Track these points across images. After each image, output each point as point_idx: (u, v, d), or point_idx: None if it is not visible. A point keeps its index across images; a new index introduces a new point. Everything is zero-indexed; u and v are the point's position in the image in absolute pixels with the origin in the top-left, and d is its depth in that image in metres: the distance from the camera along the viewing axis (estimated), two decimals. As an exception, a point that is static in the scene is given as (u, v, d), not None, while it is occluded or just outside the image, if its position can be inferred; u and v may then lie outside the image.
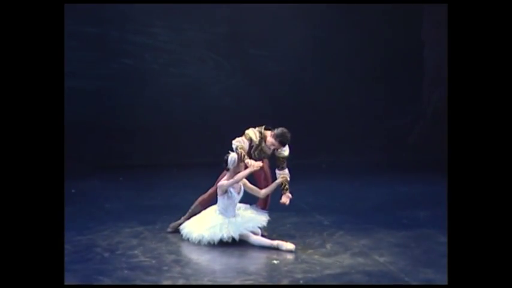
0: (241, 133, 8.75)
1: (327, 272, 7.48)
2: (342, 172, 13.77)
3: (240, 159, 8.56)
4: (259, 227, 8.61)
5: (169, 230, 9.02)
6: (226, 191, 8.54)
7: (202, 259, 8.02)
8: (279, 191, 8.76)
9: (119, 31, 14.24)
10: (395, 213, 10.35)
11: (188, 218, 8.92)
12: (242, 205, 8.75)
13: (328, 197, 11.53)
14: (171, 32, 14.55)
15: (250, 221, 8.59)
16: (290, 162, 8.95)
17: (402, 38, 15.56)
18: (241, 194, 8.66)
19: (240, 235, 8.44)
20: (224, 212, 8.57)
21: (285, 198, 8.73)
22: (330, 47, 15.22)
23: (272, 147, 8.83)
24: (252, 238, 8.45)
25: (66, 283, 6.38)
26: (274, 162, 8.87)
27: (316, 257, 8.06)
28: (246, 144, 8.72)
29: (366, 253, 8.21)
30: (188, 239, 8.55)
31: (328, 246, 8.51)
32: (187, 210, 8.98)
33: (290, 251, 8.17)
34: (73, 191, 11.36)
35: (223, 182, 8.57)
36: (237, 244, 8.49)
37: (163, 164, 14.03)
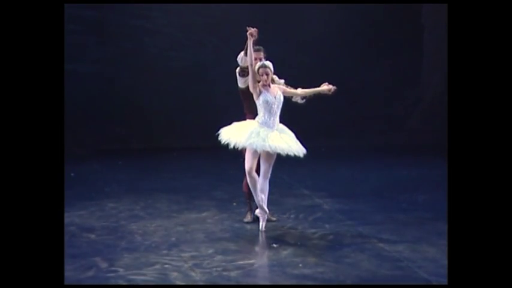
0: (241, 118, 8.75)
1: (326, 256, 7.50)
2: (342, 156, 13.76)
3: (245, 49, 9.18)
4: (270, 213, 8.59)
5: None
6: (259, 92, 8.47)
7: (201, 241, 8.02)
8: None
9: (118, 14, 14.18)
10: (394, 197, 10.36)
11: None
12: (286, 129, 8.62)
13: (327, 180, 11.52)
14: (171, 16, 14.49)
15: (287, 144, 8.40)
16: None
17: (402, 21, 15.50)
18: (279, 99, 8.55)
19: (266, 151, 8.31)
20: (264, 125, 8.40)
21: (326, 86, 9.14)
22: (329, 31, 15.16)
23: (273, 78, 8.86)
24: (260, 182, 8.38)
25: (66, 272, 6.37)
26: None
27: (315, 240, 8.08)
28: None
29: (365, 236, 8.22)
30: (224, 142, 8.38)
31: (327, 230, 8.53)
32: (185, 193, 8.92)
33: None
34: (72, 174, 11.35)
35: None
36: (236, 223, 8.52)
37: (163, 147, 14.01)
